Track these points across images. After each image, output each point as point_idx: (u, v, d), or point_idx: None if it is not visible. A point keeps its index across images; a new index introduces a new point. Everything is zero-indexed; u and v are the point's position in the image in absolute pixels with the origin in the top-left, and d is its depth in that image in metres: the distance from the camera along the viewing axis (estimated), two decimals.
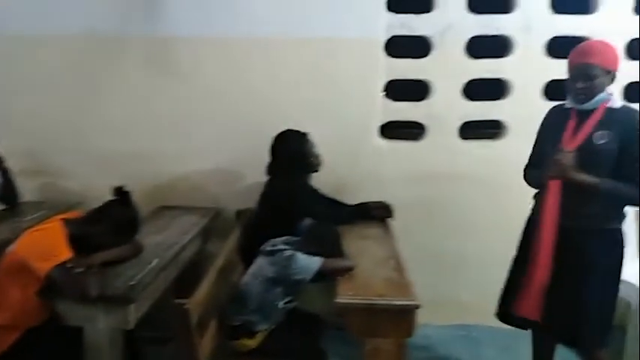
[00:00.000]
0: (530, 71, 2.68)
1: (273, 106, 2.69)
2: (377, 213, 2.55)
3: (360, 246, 2.21)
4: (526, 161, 2.74)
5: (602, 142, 1.85)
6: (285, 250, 1.89)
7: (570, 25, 2.65)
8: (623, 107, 1.91)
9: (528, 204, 2.78)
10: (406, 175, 2.80)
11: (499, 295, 2.23)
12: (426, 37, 2.67)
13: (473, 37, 2.66)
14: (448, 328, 2.88)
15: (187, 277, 2.19)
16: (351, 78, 2.70)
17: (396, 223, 2.53)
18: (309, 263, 1.86)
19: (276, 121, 2.46)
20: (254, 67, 2.69)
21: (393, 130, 2.83)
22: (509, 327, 2.88)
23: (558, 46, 2.66)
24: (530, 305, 2.02)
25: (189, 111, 2.74)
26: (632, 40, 2.63)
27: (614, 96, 1.93)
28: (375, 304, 1.73)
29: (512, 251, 2.84)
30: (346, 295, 1.75)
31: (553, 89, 2.71)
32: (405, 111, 2.78)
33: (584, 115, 1.91)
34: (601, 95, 1.88)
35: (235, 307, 1.92)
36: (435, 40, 2.67)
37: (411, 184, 2.80)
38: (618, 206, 1.95)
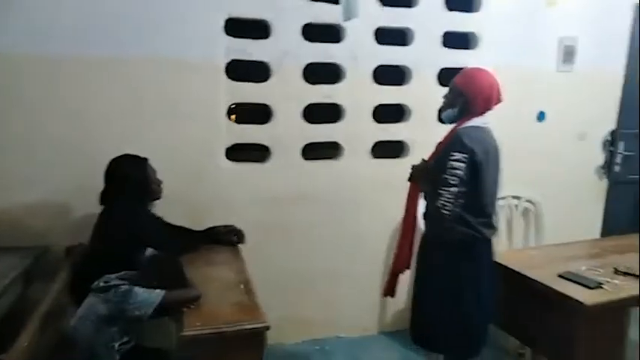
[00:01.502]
0: (359, 96, 2.91)
1: (108, 130, 2.50)
2: (227, 237, 2.51)
3: (209, 272, 2.15)
4: (361, 177, 2.98)
5: (440, 156, 2.06)
6: (120, 285, 1.74)
7: (391, 55, 2.94)
8: (462, 129, 2.04)
9: (371, 219, 3.02)
10: (254, 197, 2.81)
11: None
12: (265, 62, 2.75)
13: (310, 64, 2.80)
14: (302, 345, 2.95)
15: (6, 329, 1.89)
16: (194, 101, 2.64)
17: (246, 245, 2.52)
18: (149, 297, 1.73)
19: (111, 146, 2.28)
20: (85, 87, 2.46)
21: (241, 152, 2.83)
22: (356, 336, 3.08)
23: (382, 74, 2.95)
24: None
25: (5, 136, 2.41)
26: (442, 70, 3.03)
27: (470, 120, 2.06)
28: (224, 331, 1.70)
29: (357, 265, 3.04)
30: (194, 326, 1.69)
31: (380, 113, 2.98)
32: (250, 134, 2.81)
33: (450, 133, 2.11)
34: (449, 112, 2.12)
35: (62, 354, 1.70)
36: (274, 66, 2.76)
37: (258, 205, 2.82)
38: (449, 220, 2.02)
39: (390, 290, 2.32)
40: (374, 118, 2.97)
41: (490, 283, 2.13)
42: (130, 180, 2.19)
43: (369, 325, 3.15)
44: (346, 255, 3.04)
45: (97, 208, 2.19)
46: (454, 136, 2.05)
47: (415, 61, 2.97)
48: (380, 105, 2.96)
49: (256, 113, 2.84)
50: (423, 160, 2.18)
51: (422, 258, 2.24)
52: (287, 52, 2.74)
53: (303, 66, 2.78)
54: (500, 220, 3.29)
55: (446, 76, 3.07)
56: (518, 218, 3.36)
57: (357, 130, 2.93)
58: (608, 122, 3.60)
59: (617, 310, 2.12)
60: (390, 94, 2.99)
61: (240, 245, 2.51)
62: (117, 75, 2.50)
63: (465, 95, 2.06)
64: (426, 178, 2.12)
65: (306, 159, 2.89)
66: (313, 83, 2.82)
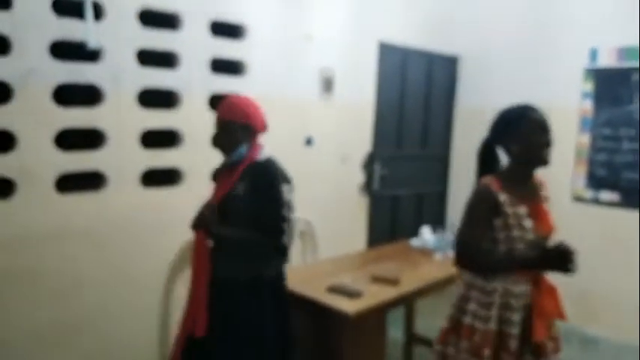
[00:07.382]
0: (124, 121, 2.69)
1: None
2: None
3: None
4: (132, 208, 2.74)
5: (238, 193, 1.93)
6: None
7: (157, 78, 2.81)
8: (261, 160, 1.98)
9: (144, 254, 2.79)
10: None
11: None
12: (4, 81, 2.34)
13: (63, 85, 2.49)
14: None
15: None
16: None
17: None
18: None
19: None
20: None
21: None
22: None
23: (148, 98, 2.79)
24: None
25: None
26: (213, 97, 3.02)
27: (259, 148, 2.01)
28: None
29: (130, 308, 2.76)
30: None
31: (148, 138, 2.81)
32: None
33: (233, 169, 1.99)
34: (243, 148, 1.97)
35: None
36: (17, 86, 2.37)
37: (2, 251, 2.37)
38: (260, 254, 1.99)
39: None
40: (143, 143, 2.78)
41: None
42: None
43: None
44: (116, 298, 2.75)
45: None
46: (257, 168, 1.95)
47: (184, 86, 2.90)
48: (148, 130, 2.80)
49: None
50: (208, 203, 1.99)
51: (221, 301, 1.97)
52: (32, 70, 2.39)
53: (53, 86, 2.46)
54: None
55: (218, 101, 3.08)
56: (295, 239, 3.53)
57: (123, 157, 2.71)
58: (365, 145, 4.08)
59: (377, 313, 2.35)
60: (159, 119, 2.85)
61: None
62: None
63: (251, 126, 1.98)
64: (217, 218, 1.93)
65: (62, 192, 2.54)
66: (68, 105, 2.52)
